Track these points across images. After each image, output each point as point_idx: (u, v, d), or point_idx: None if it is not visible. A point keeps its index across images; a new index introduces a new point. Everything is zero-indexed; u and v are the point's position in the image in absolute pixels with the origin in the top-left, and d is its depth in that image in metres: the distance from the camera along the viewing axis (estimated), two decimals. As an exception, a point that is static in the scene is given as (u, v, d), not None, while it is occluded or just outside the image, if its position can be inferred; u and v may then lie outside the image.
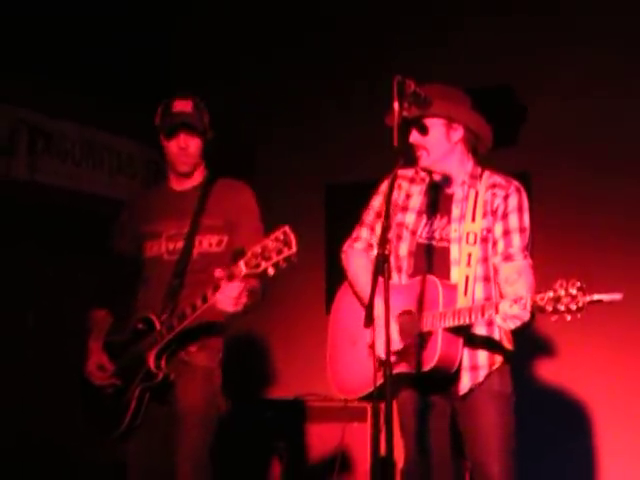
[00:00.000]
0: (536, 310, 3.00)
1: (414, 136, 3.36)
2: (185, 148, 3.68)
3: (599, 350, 5.15)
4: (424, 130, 3.37)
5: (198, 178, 3.78)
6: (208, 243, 3.66)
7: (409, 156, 3.37)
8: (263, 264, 3.19)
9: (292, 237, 3.14)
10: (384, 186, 3.42)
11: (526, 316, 3.03)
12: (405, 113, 3.01)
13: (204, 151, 3.75)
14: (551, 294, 2.94)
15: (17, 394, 4.71)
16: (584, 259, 5.07)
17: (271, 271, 3.19)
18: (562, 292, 2.92)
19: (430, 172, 3.49)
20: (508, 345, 3.38)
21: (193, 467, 3.52)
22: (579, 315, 2.91)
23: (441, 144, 3.42)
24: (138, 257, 3.75)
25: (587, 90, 5.29)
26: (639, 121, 5.18)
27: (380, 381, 2.96)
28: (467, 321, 3.18)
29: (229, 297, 3.33)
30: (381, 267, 2.90)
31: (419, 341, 3.24)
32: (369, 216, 3.57)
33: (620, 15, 5.22)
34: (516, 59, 5.47)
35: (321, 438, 5.24)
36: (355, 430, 5.10)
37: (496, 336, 3.37)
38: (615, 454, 5.10)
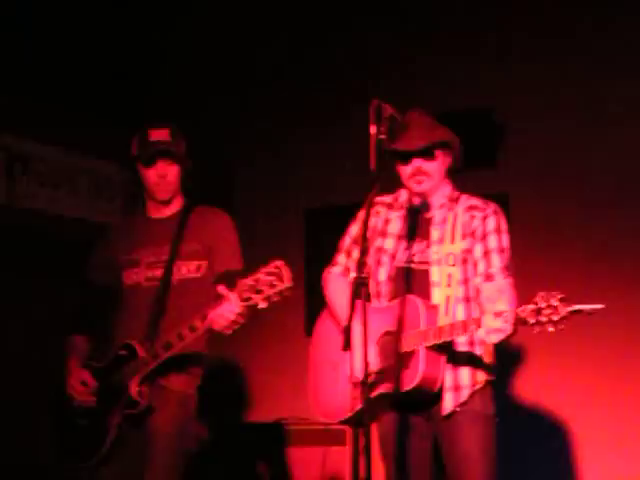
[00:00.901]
0: (518, 322, 3.02)
1: (418, 163, 3.43)
2: (164, 176, 3.68)
3: (578, 367, 5.17)
4: (432, 157, 3.45)
5: (176, 206, 3.79)
6: (187, 269, 3.66)
7: (388, 180, 3.37)
8: (254, 297, 3.19)
9: (286, 271, 3.15)
10: (362, 214, 3.40)
11: (509, 329, 3.03)
12: (382, 136, 3.05)
13: (182, 178, 3.75)
14: (532, 306, 2.98)
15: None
16: (563, 280, 5.08)
17: (262, 304, 3.20)
18: (543, 304, 2.96)
19: (409, 197, 3.54)
20: (490, 362, 3.39)
21: None
22: (562, 326, 2.94)
23: (440, 171, 3.49)
24: (116, 285, 3.75)
25: (566, 112, 5.33)
26: (617, 143, 5.21)
27: (359, 405, 2.97)
28: (449, 338, 3.20)
29: (227, 318, 3.29)
30: (358, 290, 2.92)
31: (401, 361, 3.25)
32: (345, 242, 3.62)
33: (600, 38, 5.25)
34: (495, 81, 5.50)
35: (301, 461, 5.23)
36: (335, 454, 5.10)
37: (477, 351, 3.38)
38: (596, 471, 5.09)
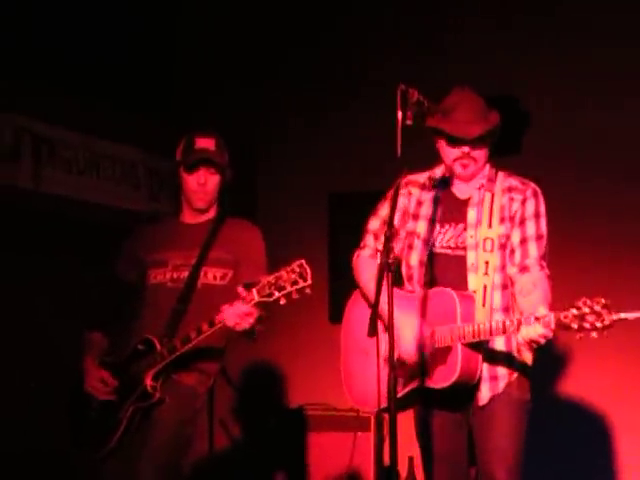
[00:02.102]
0: (560, 327, 2.95)
1: (467, 148, 3.30)
2: (204, 184, 3.71)
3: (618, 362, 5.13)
4: (484, 143, 3.34)
5: (211, 214, 3.83)
6: (213, 276, 3.71)
7: (412, 163, 3.28)
8: (276, 294, 3.29)
9: (307, 270, 3.25)
10: (392, 194, 3.37)
11: (549, 334, 2.97)
12: (408, 122, 2.99)
13: (220, 189, 3.78)
14: (575, 311, 2.90)
15: None
16: (588, 268, 5.07)
17: (282, 301, 3.30)
18: (586, 309, 2.88)
19: (446, 178, 3.43)
20: (527, 358, 3.33)
21: (154, 467, 3.51)
22: (605, 333, 2.87)
23: (487, 154, 3.39)
24: (138, 284, 3.79)
25: (591, 97, 5.29)
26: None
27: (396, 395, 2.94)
28: (486, 338, 3.16)
29: (235, 314, 3.37)
30: (384, 276, 2.89)
31: (438, 355, 3.19)
32: (374, 224, 3.51)
33: (621, 25, 5.22)
34: (519, 67, 5.48)
35: (324, 448, 5.24)
36: (359, 440, 5.10)
37: (514, 348, 3.31)
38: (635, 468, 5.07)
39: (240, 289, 3.37)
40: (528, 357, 3.33)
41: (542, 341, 3.00)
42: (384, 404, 3.01)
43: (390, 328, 2.89)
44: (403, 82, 3.03)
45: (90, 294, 3.97)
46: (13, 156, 4.76)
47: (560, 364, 5.24)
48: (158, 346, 3.56)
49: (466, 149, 3.30)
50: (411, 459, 4.88)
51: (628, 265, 5.12)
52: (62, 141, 5.08)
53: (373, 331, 2.86)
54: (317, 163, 6.05)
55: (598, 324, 2.86)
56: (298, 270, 3.24)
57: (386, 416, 2.97)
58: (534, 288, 3.21)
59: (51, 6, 4.98)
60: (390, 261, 2.89)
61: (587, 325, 2.87)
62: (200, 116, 5.38)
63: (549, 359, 5.06)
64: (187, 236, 3.76)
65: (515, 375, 3.31)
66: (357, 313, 3.51)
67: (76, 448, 3.80)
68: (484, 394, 3.29)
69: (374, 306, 2.91)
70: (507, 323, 3.08)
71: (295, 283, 3.25)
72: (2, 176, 4.68)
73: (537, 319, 2.97)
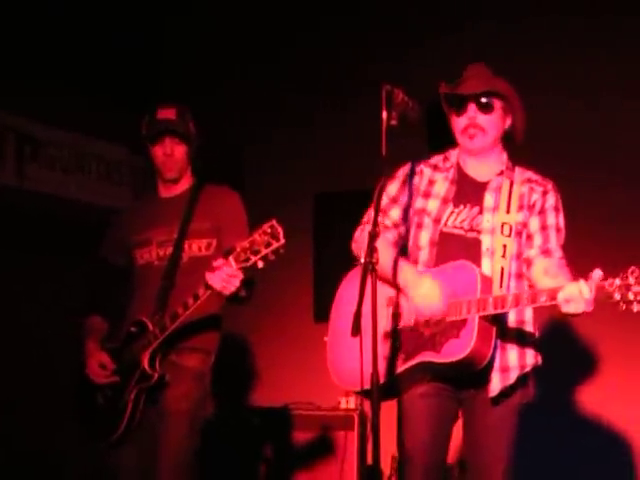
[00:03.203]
0: (602, 297, 2.77)
1: (473, 112, 3.20)
2: (170, 154, 3.74)
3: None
4: (490, 108, 3.22)
5: (185, 184, 3.84)
6: (197, 247, 3.71)
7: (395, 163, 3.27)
8: (252, 258, 3.27)
9: (279, 229, 3.23)
10: (401, 171, 3.34)
11: (590, 299, 2.78)
12: (393, 122, 2.96)
13: (191, 158, 3.81)
14: (620, 281, 2.75)
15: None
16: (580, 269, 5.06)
17: (260, 264, 3.28)
18: (632, 280, 2.73)
19: (457, 163, 3.31)
20: (537, 355, 3.22)
21: (175, 466, 3.53)
22: None
23: (497, 127, 3.25)
24: (129, 266, 3.80)
25: (591, 94, 5.30)
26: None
27: (384, 378, 2.91)
28: (510, 308, 3.00)
29: (221, 277, 3.36)
30: (366, 274, 2.82)
31: (448, 329, 3.04)
32: (383, 200, 3.26)
33: (612, 28, 5.23)
34: (509, 67, 5.46)
35: (308, 446, 5.24)
36: (342, 439, 5.10)
37: (528, 339, 3.18)
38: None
39: (216, 261, 3.37)
40: (537, 343, 3.21)
41: (581, 306, 2.80)
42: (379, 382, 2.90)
43: (374, 329, 2.82)
44: (388, 82, 3.02)
45: (84, 283, 3.97)
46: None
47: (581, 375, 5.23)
48: (150, 326, 3.58)
49: (472, 112, 3.19)
50: (394, 457, 4.88)
51: (621, 265, 5.10)
52: (47, 139, 5.07)
53: (356, 331, 2.78)
54: (303, 164, 6.05)
55: None
56: (270, 231, 3.22)
57: (369, 414, 2.91)
58: (561, 271, 3.08)
59: (36, 4, 4.96)
60: (374, 260, 2.82)
61: (631, 296, 2.71)
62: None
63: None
64: (167, 210, 3.77)
65: (527, 369, 3.17)
66: (351, 291, 3.22)
67: (89, 438, 3.79)
68: (494, 385, 3.13)
69: (358, 305, 2.81)
70: (539, 291, 2.92)
71: (269, 245, 3.22)
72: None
73: (585, 279, 2.79)
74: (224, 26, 5.98)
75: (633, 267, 2.74)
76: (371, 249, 2.84)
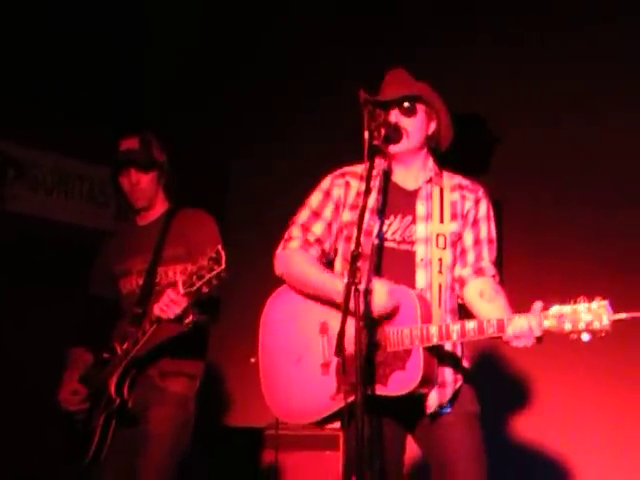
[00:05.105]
0: (552, 328, 2.74)
1: (395, 117, 3.12)
2: (136, 184, 3.78)
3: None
4: (412, 111, 3.15)
5: (160, 210, 3.87)
6: (173, 273, 3.70)
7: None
8: (197, 283, 3.31)
9: (222, 254, 3.24)
10: (325, 183, 3.24)
11: (539, 332, 2.77)
12: (375, 142, 2.96)
13: (162, 183, 3.84)
14: (569, 308, 2.73)
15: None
16: (555, 285, 5.08)
17: (205, 289, 3.31)
18: (583, 308, 2.71)
19: (388, 171, 3.21)
20: (466, 363, 3.18)
21: None
22: (602, 334, 2.69)
23: (421, 132, 3.18)
24: (116, 296, 3.83)
25: (558, 118, 5.33)
26: (610, 149, 5.19)
27: (342, 403, 2.84)
28: (461, 340, 2.95)
29: (163, 301, 3.40)
30: (350, 295, 2.73)
31: (390, 360, 2.94)
32: (305, 214, 3.23)
33: (593, 47, 5.25)
34: (489, 88, 5.50)
35: (292, 467, 5.21)
36: (327, 459, 5.08)
37: (458, 353, 3.14)
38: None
39: (167, 289, 3.41)
40: (467, 364, 3.18)
41: (530, 341, 2.78)
42: (326, 413, 2.94)
43: (357, 351, 2.71)
44: (362, 86, 3.03)
45: (69, 308, 4.02)
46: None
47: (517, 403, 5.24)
48: (119, 351, 3.61)
49: (395, 118, 3.10)
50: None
51: (602, 283, 5.12)
52: (31, 160, 5.06)
53: (340, 351, 2.69)
54: (289, 179, 6.04)
55: (596, 324, 2.68)
56: (214, 256, 3.25)
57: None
58: (497, 295, 3.07)
59: (19, 25, 4.96)
60: (357, 281, 2.73)
61: (582, 325, 2.70)
62: (170, 133, 5.37)
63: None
64: (142, 239, 3.80)
65: (459, 383, 3.11)
66: (281, 314, 3.20)
67: (68, 462, 3.82)
68: (431, 402, 3.06)
69: (341, 325, 2.70)
70: (487, 323, 2.84)
71: (211, 270, 3.25)
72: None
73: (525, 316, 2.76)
74: (206, 47, 5.98)
75: (582, 297, 2.73)
76: (354, 269, 2.74)
